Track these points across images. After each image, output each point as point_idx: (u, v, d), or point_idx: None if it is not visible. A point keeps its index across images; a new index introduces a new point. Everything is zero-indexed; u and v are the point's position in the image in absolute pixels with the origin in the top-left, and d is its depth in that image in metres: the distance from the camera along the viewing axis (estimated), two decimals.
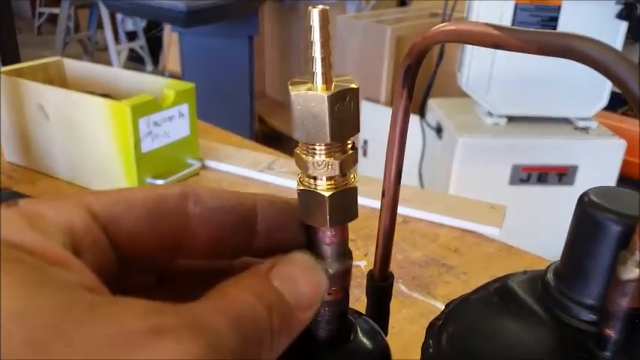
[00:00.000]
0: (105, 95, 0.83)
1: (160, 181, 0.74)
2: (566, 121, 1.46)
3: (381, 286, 0.22)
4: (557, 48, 0.15)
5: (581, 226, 0.17)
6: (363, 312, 0.22)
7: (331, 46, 0.14)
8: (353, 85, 0.14)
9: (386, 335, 0.23)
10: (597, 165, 1.42)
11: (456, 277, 0.61)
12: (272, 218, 0.18)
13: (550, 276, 0.18)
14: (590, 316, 0.17)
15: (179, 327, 0.13)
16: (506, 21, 1.34)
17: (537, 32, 0.15)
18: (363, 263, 0.62)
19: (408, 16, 2.10)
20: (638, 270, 0.15)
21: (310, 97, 0.14)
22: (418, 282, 0.59)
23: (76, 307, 0.12)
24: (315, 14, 0.14)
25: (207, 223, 0.17)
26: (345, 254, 0.17)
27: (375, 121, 1.94)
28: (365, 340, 0.18)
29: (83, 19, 4.14)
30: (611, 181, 1.44)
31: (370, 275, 0.23)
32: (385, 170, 0.21)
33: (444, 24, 0.17)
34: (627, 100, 0.14)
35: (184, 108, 0.76)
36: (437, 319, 0.19)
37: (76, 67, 0.88)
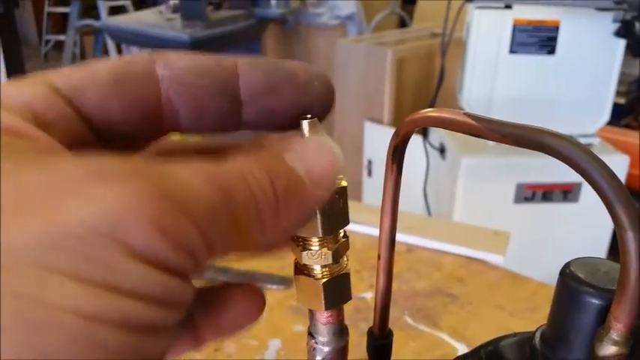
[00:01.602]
0: None
1: None
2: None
3: (380, 344, 0.23)
4: (531, 143, 0.16)
5: (563, 298, 0.18)
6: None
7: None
8: (342, 184, 0.16)
9: None
10: None
11: (461, 308, 0.62)
12: (257, 81, 0.16)
13: (537, 341, 0.19)
14: None
15: (128, 173, 0.12)
16: (505, 42, 1.36)
17: (514, 126, 0.17)
18: (368, 295, 0.63)
19: (408, 37, 2.12)
20: (614, 347, 0.16)
21: None
22: (424, 313, 0.60)
23: (22, 161, 0.12)
24: (304, 125, 0.15)
25: (181, 88, 0.16)
26: (341, 332, 0.18)
27: (378, 141, 1.96)
28: None
29: (89, 46, 4.20)
30: None
31: (370, 332, 0.24)
32: (380, 236, 0.22)
33: (429, 110, 0.19)
34: (595, 189, 0.15)
35: None
36: None
37: None
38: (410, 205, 1.72)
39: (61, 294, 0.11)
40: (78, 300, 0.11)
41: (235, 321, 0.17)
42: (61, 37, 4.23)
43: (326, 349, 0.17)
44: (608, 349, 0.16)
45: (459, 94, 1.55)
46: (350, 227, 0.62)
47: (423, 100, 1.75)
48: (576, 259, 0.19)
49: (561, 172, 1.42)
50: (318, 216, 0.15)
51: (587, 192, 1.42)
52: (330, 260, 0.16)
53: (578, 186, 1.42)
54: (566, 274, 0.18)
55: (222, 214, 0.13)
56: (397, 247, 0.73)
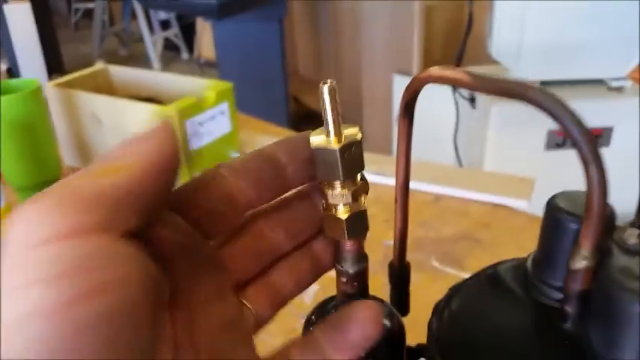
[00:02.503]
0: (149, 98, 0.89)
1: None
2: (599, 82, 1.45)
3: (399, 274, 0.27)
4: (515, 94, 0.19)
5: (548, 225, 0.21)
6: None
7: (338, 108, 0.19)
8: (358, 137, 0.19)
9: (408, 312, 0.28)
10: (633, 124, 1.41)
11: (485, 251, 0.65)
12: (295, 157, 0.21)
13: (529, 264, 0.23)
14: (559, 295, 0.21)
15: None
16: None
17: (503, 81, 0.20)
18: None
19: None
20: (584, 262, 0.19)
21: (326, 150, 0.19)
22: (450, 257, 0.64)
23: None
24: (325, 90, 0.18)
25: (242, 179, 0.21)
26: (361, 258, 0.22)
27: None
28: (383, 321, 0.23)
29: (117, 12, 4.24)
30: None
31: (391, 265, 0.28)
32: (396, 182, 0.26)
33: (433, 69, 0.22)
34: (565, 133, 0.18)
35: (225, 106, 0.82)
36: (441, 301, 0.24)
37: (120, 73, 0.94)
38: (440, 155, 1.74)
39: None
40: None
41: (363, 335, 0.20)
42: (90, 5, 4.27)
43: (350, 271, 0.21)
44: (580, 263, 0.19)
45: (488, 40, 1.54)
46: (380, 180, 0.66)
47: (452, 48, 1.74)
48: (562, 192, 0.22)
49: (592, 117, 1.41)
50: (340, 165, 0.19)
51: (618, 136, 1.42)
52: (349, 199, 0.20)
53: (608, 130, 1.41)
54: (551, 205, 0.21)
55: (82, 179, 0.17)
56: (425, 197, 0.77)
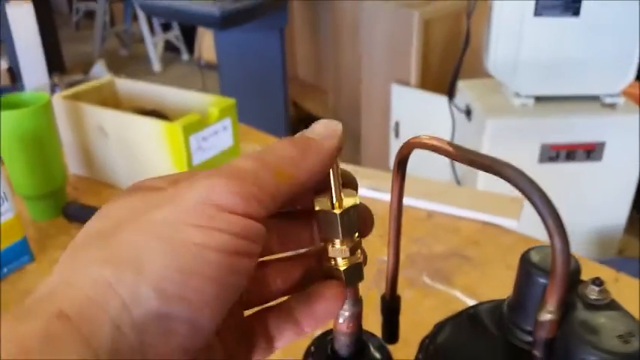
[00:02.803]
0: (153, 111, 0.92)
1: None
2: (593, 98, 1.48)
3: (391, 306, 0.30)
4: (491, 170, 0.22)
5: (522, 276, 0.24)
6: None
7: (340, 179, 0.22)
8: (356, 201, 0.22)
9: (397, 340, 0.31)
10: (624, 140, 1.45)
11: (474, 268, 0.68)
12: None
13: (505, 307, 0.26)
14: (529, 338, 0.24)
15: (211, 173, 0.20)
16: (530, 5, 1.37)
17: (480, 156, 0.22)
18: None
19: None
20: (549, 315, 0.22)
21: (329, 214, 0.22)
22: (440, 274, 0.67)
23: None
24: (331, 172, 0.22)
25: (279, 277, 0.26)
26: (356, 302, 0.25)
27: (406, 103, 2.00)
28: (374, 354, 0.26)
29: (118, 13, 4.26)
30: (638, 154, 1.47)
31: (383, 297, 0.30)
32: (390, 226, 0.29)
33: (421, 137, 0.25)
34: (534, 207, 0.21)
35: (227, 122, 0.85)
36: (427, 337, 0.27)
37: (126, 85, 0.97)
38: (436, 168, 1.77)
39: (188, 234, 0.19)
40: (196, 237, 0.19)
41: (326, 309, 0.24)
42: (91, 5, 4.29)
43: (346, 313, 0.25)
44: (545, 316, 0.22)
45: (484, 55, 1.57)
46: (375, 195, 0.69)
47: (450, 61, 1.77)
48: (536, 247, 0.25)
49: (584, 132, 1.45)
50: (339, 227, 0.22)
51: (611, 151, 1.45)
52: (347, 254, 0.23)
53: (601, 145, 1.44)
54: (524, 258, 0.24)
55: (265, 172, 0.21)
56: (418, 214, 0.80)
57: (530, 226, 0.81)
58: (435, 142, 0.24)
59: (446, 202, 0.80)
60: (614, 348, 0.20)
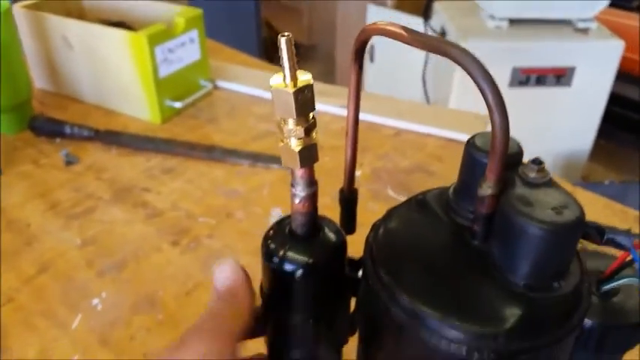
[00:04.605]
0: (120, 22, 0.90)
1: (177, 104, 0.82)
2: (567, 22, 1.48)
3: (348, 197, 0.31)
4: (440, 51, 0.22)
5: (466, 159, 0.26)
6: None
7: (294, 56, 0.22)
8: (310, 82, 0.23)
9: (354, 231, 0.33)
10: (595, 66, 1.46)
11: (437, 183, 0.70)
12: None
13: (451, 191, 0.27)
14: (471, 217, 0.26)
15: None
16: None
17: (430, 37, 0.23)
18: (357, 173, 0.71)
19: None
20: (489, 190, 0.23)
21: (283, 92, 0.22)
22: (404, 187, 0.69)
23: None
24: (282, 41, 0.22)
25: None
26: (311, 183, 0.26)
27: None
28: (329, 234, 0.27)
29: None
30: (607, 80, 1.49)
31: (341, 190, 0.32)
32: (347, 118, 0.29)
33: (377, 22, 0.25)
34: (476, 85, 0.22)
35: (194, 34, 0.83)
36: (378, 220, 0.28)
37: None
38: (409, 90, 1.77)
39: None
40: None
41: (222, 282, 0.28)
42: None
43: (302, 194, 0.25)
44: (485, 190, 0.23)
45: None
46: (345, 112, 0.68)
47: None
48: (480, 132, 0.26)
49: (556, 57, 1.46)
50: (294, 106, 0.22)
51: (580, 77, 1.46)
52: (302, 134, 0.23)
53: (571, 70, 1.46)
54: (469, 143, 0.26)
55: (223, 323, 0.26)
56: (386, 131, 0.82)
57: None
58: (389, 27, 0.24)
59: (413, 120, 0.81)
60: (548, 217, 0.21)
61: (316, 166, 0.26)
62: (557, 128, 1.57)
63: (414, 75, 1.74)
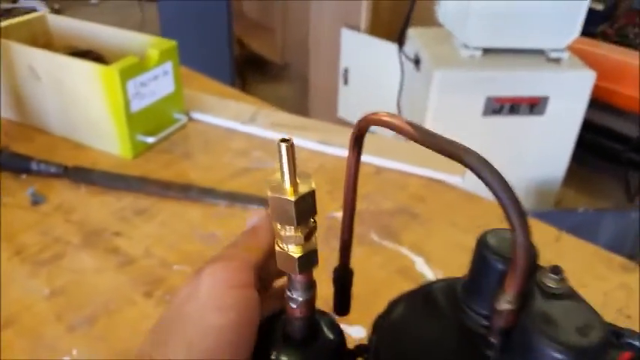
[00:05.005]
0: (89, 51, 0.86)
1: (150, 139, 0.79)
2: (539, 52, 1.50)
3: (343, 277, 0.29)
4: (453, 156, 0.21)
5: (478, 260, 0.24)
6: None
7: (295, 163, 0.20)
8: (312, 187, 0.20)
9: (348, 312, 0.31)
10: (567, 95, 1.48)
11: (421, 225, 0.68)
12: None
13: (460, 288, 0.25)
14: (483, 322, 0.24)
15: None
16: None
17: (444, 140, 0.21)
18: (339, 214, 0.69)
19: None
20: (508, 305, 0.21)
21: (283, 200, 0.20)
22: (387, 230, 0.67)
23: None
24: (283, 147, 0.19)
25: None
26: (310, 287, 0.23)
27: (355, 49, 1.96)
28: (326, 336, 0.25)
29: None
30: (580, 110, 1.51)
31: (335, 270, 0.30)
32: (344, 198, 0.27)
33: (379, 113, 0.23)
34: (495, 197, 0.20)
35: (168, 66, 0.80)
36: (380, 316, 0.26)
37: (59, 22, 0.90)
38: None
39: (210, 319, 0.24)
40: (215, 320, 0.24)
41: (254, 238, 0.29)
42: None
43: (299, 299, 0.23)
44: (504, 305, 0.21)
45: (436, 7, 1.55)
46: (323, 149, 0.68)
47: (402, 6, 1.74)
48: (492, 229, 0.24)
49: (529, 86, 1.47)
50: (294, 214, 0.20)
51: (554, 106, 1.48)
52: (302, 241, 0.21)
53: (544, 100, 1.47)
54: (481, 242, 0.24)
55: (239, 252, 0.27)
56: (367, 169, 0.80)
57: (475, 181, 0.83)
58: (394, 121, 0.23)
59: (394, 158, 0.80)
60: (573, 341, 0.20)
61: None
62: (531, 156, 1.58)
63: (388, 99, 1.73)
